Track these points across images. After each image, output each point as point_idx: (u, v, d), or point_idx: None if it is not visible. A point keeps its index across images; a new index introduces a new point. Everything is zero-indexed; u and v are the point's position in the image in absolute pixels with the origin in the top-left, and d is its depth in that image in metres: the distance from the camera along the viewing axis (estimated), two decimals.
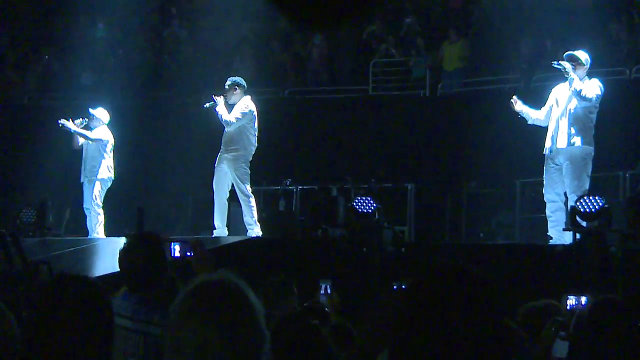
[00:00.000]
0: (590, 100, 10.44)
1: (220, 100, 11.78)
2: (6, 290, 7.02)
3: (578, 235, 10.28)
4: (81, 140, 12.97)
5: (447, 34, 17.41)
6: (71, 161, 13.52)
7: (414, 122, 16.67)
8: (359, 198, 12.02)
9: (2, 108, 18.77)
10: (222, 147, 11.80)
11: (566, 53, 10.71)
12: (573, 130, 10.51)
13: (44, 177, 16.03)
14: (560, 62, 10.60)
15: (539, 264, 10.30)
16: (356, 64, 18.29)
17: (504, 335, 2.32)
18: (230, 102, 11.81)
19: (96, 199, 12.83)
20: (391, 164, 16.16)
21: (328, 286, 6.48)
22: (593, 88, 10.48)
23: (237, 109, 11.74)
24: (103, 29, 19.69)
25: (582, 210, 10.09)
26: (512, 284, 9.18)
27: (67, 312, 2.84)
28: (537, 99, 11.30)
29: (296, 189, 15.01)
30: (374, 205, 11.74)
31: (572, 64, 10.53)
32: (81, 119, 12.91)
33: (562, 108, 10.60)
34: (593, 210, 10.07)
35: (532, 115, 10.85)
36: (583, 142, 10.49)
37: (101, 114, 13.01)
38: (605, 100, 10.66)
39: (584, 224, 10.20)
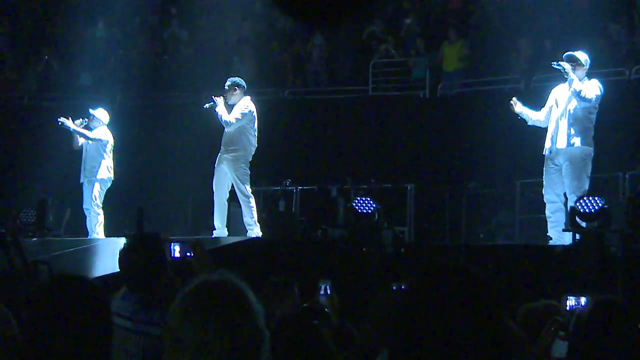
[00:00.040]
0: (589, 100, 10.44)
1: (220, 100, 11.77)
2: (6, 290, 7.01)
3: (578, 236, 10.28)
4: (81, 141, 12.96)
5: (447, 34, 17.42)
6: (71, 161, 13.51)
7: (414, 123, 16.68)
8: (358, 198, 12.02)
9: (2, 108, 18.77)
10: (222, 147, 11.80)
11: (566, 53, 10.70)
12: (573, 131, 10.50)
13: (44, 177, 16.02)
14: (559, 62, 10.59)
15: (538, 265, 10.29)
16: (356, 64, 18.30)
17: (503, 335, 2.33)
18: (230, 102, 11.80)
19: (96, 199, 12.83)
20: (391, 165, 16.17)
21: (328, 287, 6.47)
22: (593, 89, 10.48)
23: (237, 110, 11.74)
24: (103, 29, 19.69)
25: (581, 210, 10.09)
26: (512, 284, 9.19)
27: (65, 313, 2.84)
28: (536, 100, 11.29)
29: (296, 189, 15.01)
30: (374, 205, 11.74)
31: (571, 65, 10.52)
32: (81, 119, 12.91)
33: (562, 109, 10.59)
34: (593, 210, 10.07)
35: (532, 116, 10.84)
36: (583, 143, 10.48)
37: (101, 114, 13.01)
38: (604, 100, 10.65)
39: (583, 224, 10.20)
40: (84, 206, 12.99)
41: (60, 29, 20.15)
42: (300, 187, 15.04)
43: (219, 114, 11.73)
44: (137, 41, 19.52)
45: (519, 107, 10.83)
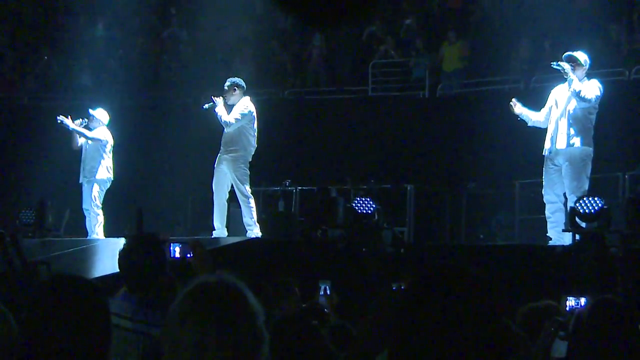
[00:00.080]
0: (589, 101, 10.43)
1: (219, 101, 11.77)
2: (6, 290, 7.01)
3: (577, 236, 10.28)
4: (80, 141, 12.97)
5: (447, 34, 17.42)
6: (71, 162, 13.51)
7: (414, 123, 16.68)
8: (358, 199, 12.02)
9: (2, 108, 18.77)
10: (221, 147, 11.80)
11: (565, 54, 10.70)
12: (572, 131, 10.50)
13: (44, 178, 16.01)
14: (559, 62, 10.59)
15: (538, 265, 10.30)
16: (356, 64, 18.30)
17: (503, 335, 2.33)
18: (230, 102, 11.81)
19: (95, 199, 12.83)
20: (391, 165, 16.15)
21: (327, 287, 6.49)
22: (592, 89, 10.48)
23: (237, 110, 11.74)
24: (103, 29, 19.69)
25: (581, 211, 10.09)
26: (511, 284, 9.18)
27: (63, 313, 2.84)
28: (536, 100, 11.29)
29: (295, 189, 15.00)
30: (374, 206, 11.74)
31: (571, 65, 10.52)
32: (81, 120, 12.92)
33: (562, 109, 10.59)
34: (592, 211, 10.06)
35: (532, 117, 10.84)
36: (582, 143, 10.48)
37: (101, 114, 13.01)
38: (604, 101, 10.65)
39: (583, 224, 10.20)
40: (83, 206, 12.99)
41: (60, 29, 20.15)
42: (299, 188, 15.03)
43: (218, 114, 11.73)
44: (137, 41, 19.52)
45: (518, 108, 10.82)
